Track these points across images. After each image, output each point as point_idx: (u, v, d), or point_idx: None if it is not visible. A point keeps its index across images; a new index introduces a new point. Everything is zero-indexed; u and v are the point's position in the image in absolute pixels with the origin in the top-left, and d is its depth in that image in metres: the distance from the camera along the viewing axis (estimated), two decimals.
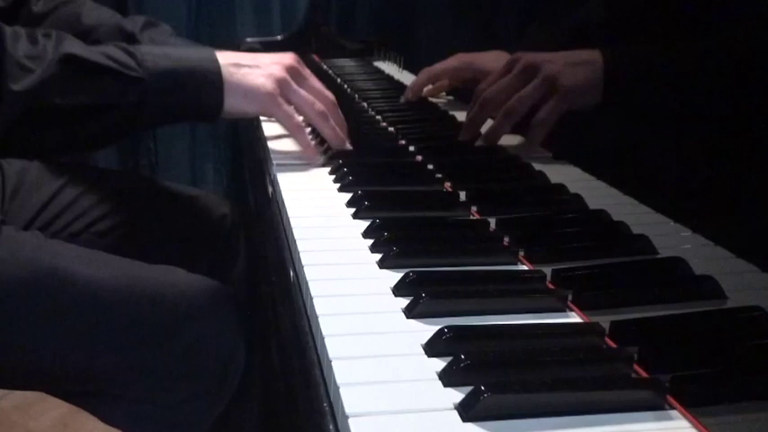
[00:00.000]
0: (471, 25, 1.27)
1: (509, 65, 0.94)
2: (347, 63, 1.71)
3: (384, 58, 1.66)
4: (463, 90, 1.22)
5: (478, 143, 0.97)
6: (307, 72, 0.99)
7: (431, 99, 1.30)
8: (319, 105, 0.96)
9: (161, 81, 0.89)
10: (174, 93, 0.90)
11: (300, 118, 0.96)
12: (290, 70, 0.96)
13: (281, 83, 0.94)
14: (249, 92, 0.92)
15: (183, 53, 0.94)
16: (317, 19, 1.80)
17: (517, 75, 0.91)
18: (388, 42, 1.64)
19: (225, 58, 0.94)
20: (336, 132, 0.97)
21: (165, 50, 0.93)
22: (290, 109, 0.95)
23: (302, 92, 0.96)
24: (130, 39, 1.19)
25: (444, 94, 1.32)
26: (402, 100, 1.27)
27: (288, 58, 0.98)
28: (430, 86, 1.27)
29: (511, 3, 1.17)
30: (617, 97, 0.82)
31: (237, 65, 0.94)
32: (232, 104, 0.93)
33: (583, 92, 0.85)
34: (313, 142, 0.97)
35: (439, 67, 1.21)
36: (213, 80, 0.91)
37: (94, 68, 0.88)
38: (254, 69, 0.94)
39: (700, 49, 0.71)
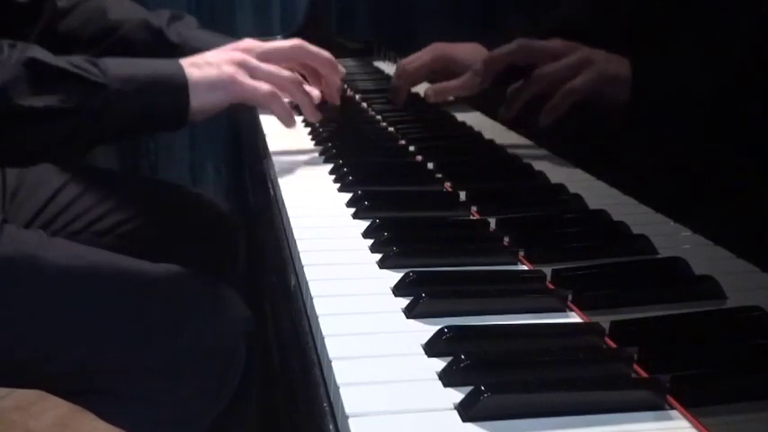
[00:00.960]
0: (471, 25, 1.27)
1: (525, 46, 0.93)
2: (347, 63, 1.70)
3: (384, 58, 1.66)
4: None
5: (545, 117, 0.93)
6: (260, 45, 0.98)
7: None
8: (287, 72, 0.95)
9: (124, 86, 0.89)
10: (138, 97, 0.90)
11: (268, 86, 0.95)
12: (244, 49, 0.96)
13: (239, 64, 0.93)
14: (212, 83, 0.92)
15: (146, 60, 0.94)
16: (316, 19, 1.79)
17: (547, 53, 0.90)
18: (388, 42, 1.63)
19: (186, 60, 0.94)
20: (310, 98, 0.97)
21: (128, 59, 0.94)
22: (256, 82, 0.93)
23: (264, 65, 0.95)
24: (158, 34, 1.18)
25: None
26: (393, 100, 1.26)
27: (243, 42, 0.98)
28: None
29: (511, 2, 1.17)
30: (642, 98, 0.81)
31: (196, 63, 0.93)
32: (199, 101, 0.92)
33: (613, 83, 0.84)
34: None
35: (415, 66, 1.19)
36: (177, 82, 0.91)
37: (57, 72, 0.88)
38: (212, 62, 0.94)
39: (703, 51, 0.71)
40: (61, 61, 0.88)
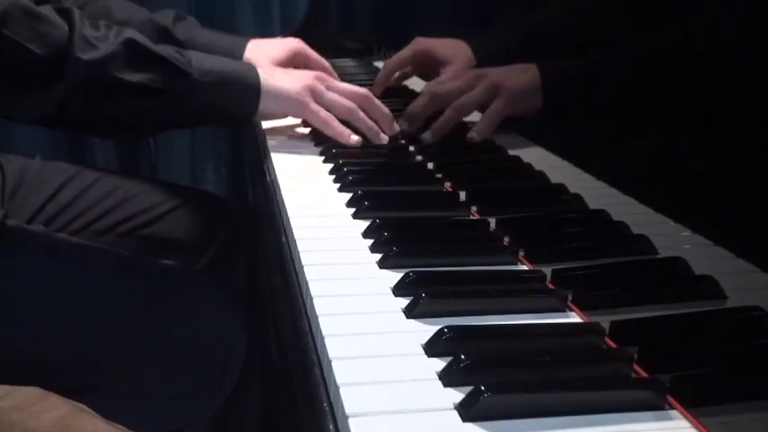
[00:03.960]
0: (471, 25, 1.27)
1: (462, 75, 1.05)
2: (347, 63, 1.70)
3: (384, 58, 1.66)
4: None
5: (425, 136, 1.04)
6: (332, 79, 1.07)
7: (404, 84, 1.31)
8: (347, 102, 1.02)
9: (204, 77, 0.98)
10: (216, 91, 0.98)
11: (326, 113, 1.02)
12: (318, 78, 1.04)
13: (310, 87, 1.01)
14: (281, 96, 1.01)
15: (225, 60, 1.03)
16: (316, 18, 1.79)
17: (467, 80, 1.01)
18: (388, 42, 1.63)
19: (262, 70, 1.03)
20: (368, 124, 1.02)
21: (209, 55, 1.03)
22: (318, 107, 1.01)
23: (330, 94, 1.02)
24: (164, 32, 1.20)
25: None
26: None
27: (314, 72, 1.07)
28: (396, 76, 1.27)
29: (510, 2, 1.17)
30: (554, 102, 0.95)
31: (272, 72, 1.04)
32: (266, 106, 1.01)
33: (526, 96, 0.97)
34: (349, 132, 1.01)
35: (396, 58, 1.24)
36: (251, 83, 1.00)
37: (152, 55, 0.97)
38: (285, 76, 1.03)
39: (699, 45, 0.71)
40: (154, 45, 0.98)
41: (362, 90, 1.04)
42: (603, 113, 0.86)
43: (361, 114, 1.02)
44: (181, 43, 1.20)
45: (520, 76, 0.97)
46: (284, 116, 1.06)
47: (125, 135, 1.19)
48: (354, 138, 0.99)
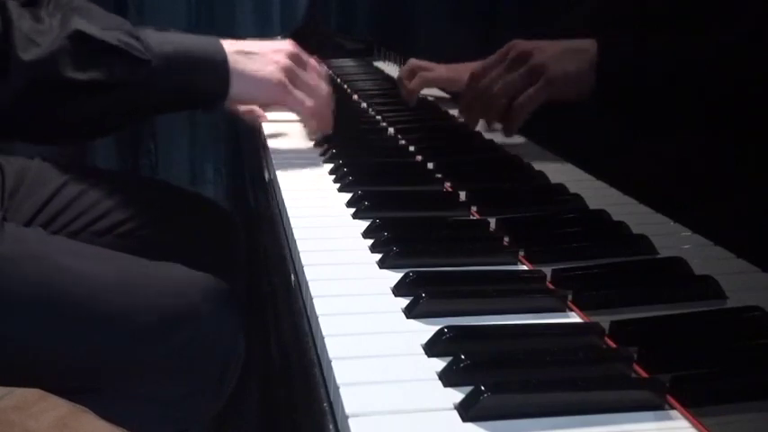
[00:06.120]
0: (471, 25, 1.27)
1: (503, 53, 0.93)
2: (347, 63, 1.71)
3: (384, 58, 1.66)
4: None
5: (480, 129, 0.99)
6: (306, 58, 1.00)
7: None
8: (324, 89, 0.98)
9: (167, 63, 0.90)
10: (181, 76, 0.91)
11: (311, 101, 0.98)
12: (293, 57, 0.97)
13: (287, 71, 0.95)
14: (258, 80, 0.93)
15: (186, 39, 0.94)
16: (316, 19, 1.79)
17: (509, 63, 0.91)
18: (388, 42, 1.63)
19: (230, 45, 0.95)
20: (330, 119, 0.99)
21: (168, 36, 0.94)
22: (301, 94, 0.96)
23: (306, 78, 0.97)
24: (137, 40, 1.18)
25: None
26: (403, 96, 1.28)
27: (288, 45, 0.99)
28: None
29: (510, 2, 1.17)
30: (609, 89, 0.81)
31: (242, 52, 0.94)
32: (239, 92, 0.94)
33: (570, 81, 0.84)
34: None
35: (433, 75, 1.23)
36: (219, 66, 0.92)
37: (103, 47, 0.88)
38: (259, 57, 0.95)
39: (699, 44, 0.71)
40: (106, 34, 0.88)
41: (327, 83, 1.01)
42: (654, 107, 0.77)
43: (329, 108, 0.99)
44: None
45: (568, 58, 0.85)
46: (262, 102, 1.01)
47: (90, 136, 1.10)
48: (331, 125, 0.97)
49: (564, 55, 0.85)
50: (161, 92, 0.91)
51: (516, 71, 0.89)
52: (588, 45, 0.83)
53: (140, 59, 0.88)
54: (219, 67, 0.92)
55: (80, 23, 0.88)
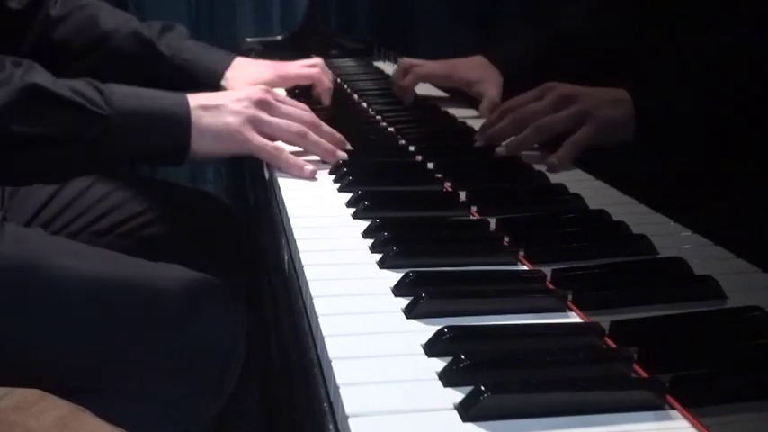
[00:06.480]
0: (471, 25, 1.27)
1: (541, 92, 0.95)
2: (347, 63, 1.70)
3: (384, 58, 1.66)
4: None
5: (499, 150, 0.97)
6: (277, 101, 0.97)
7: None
8: (295, 126, 0.94)
9: (127, 120, 0.88)
10: (139, 133, 0.89)
11: (277, 143, 0.93)
12: (259, 104, 0.94)
13: (250, 119, 0.92)
14: (218, 133, 0.91)
15: (154, 94, 0.92)
16: (316, 19, 1.79)
17: (552, 102, 0.93)
18: (388, 42, 1.63)
19: (195, 100, 0.93)
20: (323, 146, 0.94)
21: (135, 90, 0.92)
22: (262, 139, 0.92)
23: (274, 120, 0.94)
24: (148, 45, 1.19)
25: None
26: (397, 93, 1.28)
27: (256, 92, 0.96)
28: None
29: (510, 2, 1.17)
30: (647, 133, 0.84)
31: (206, 107, 0.92)
32: (201, 147, 0.91)
33: (616, 127, 0.87)
34: (302, 159, 0.94)
35: (425, 71, 1.24)
36: (180, 123, 0.90)
37: (57, 100, 0.86)
38: (222, 109, 0.92)
39: (702, 57, 0.71)
40: (63, 88, 0.87)
41: (308, 114, 0.97)
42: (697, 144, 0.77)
43: (313, 137, 0.94)
44: (163, 57, 1.18)
45: (612, 105, 0.89)
46: (229, 155, 0.96)
47: (50, 182, 1.08)
48: (309, 168, 0.91)
49: (609, 104, 0.89)
50: (118, 146, 0.89)
51: (563, 111, 0.91)
52: (625, 96, 0.87)
53: (97, 114, 0.87)
54: (180, 124, 0.90)
55: (39, 77, 0.87)
